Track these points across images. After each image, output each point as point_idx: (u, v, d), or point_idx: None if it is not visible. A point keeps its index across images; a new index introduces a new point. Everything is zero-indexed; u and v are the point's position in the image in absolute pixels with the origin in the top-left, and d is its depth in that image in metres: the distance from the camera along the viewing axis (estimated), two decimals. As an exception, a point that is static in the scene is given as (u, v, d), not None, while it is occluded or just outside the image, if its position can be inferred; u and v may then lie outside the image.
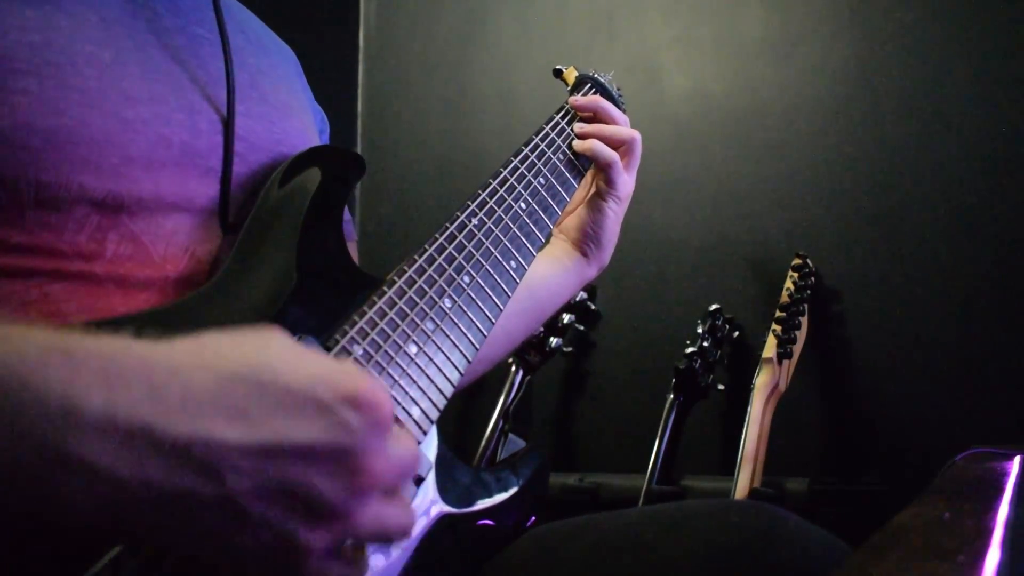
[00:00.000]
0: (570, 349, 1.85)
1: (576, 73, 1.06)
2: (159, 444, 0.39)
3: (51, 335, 0.41)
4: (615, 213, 0.96)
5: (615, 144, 0.95)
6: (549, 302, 0.97)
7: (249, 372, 0.42)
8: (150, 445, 0.39)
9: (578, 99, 0.98)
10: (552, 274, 0.96)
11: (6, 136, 0.58)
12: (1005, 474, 0.78)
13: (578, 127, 0.94)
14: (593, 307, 1.88)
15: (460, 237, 0.73)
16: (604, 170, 0.94)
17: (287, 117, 0.80)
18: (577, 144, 0.93)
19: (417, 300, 0.66)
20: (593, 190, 0.97)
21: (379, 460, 0.44)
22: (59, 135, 0.59)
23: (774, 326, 1.58)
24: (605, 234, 0.97)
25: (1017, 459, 0.86)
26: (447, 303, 0.68)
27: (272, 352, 0.44)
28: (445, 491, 0.69)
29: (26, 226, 0.59)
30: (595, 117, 0.97)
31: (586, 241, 0.97)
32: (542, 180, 0.86)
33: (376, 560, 0.62)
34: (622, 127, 0.97)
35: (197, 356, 0.42)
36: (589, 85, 1.02)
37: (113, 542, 0.45)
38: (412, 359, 0.64)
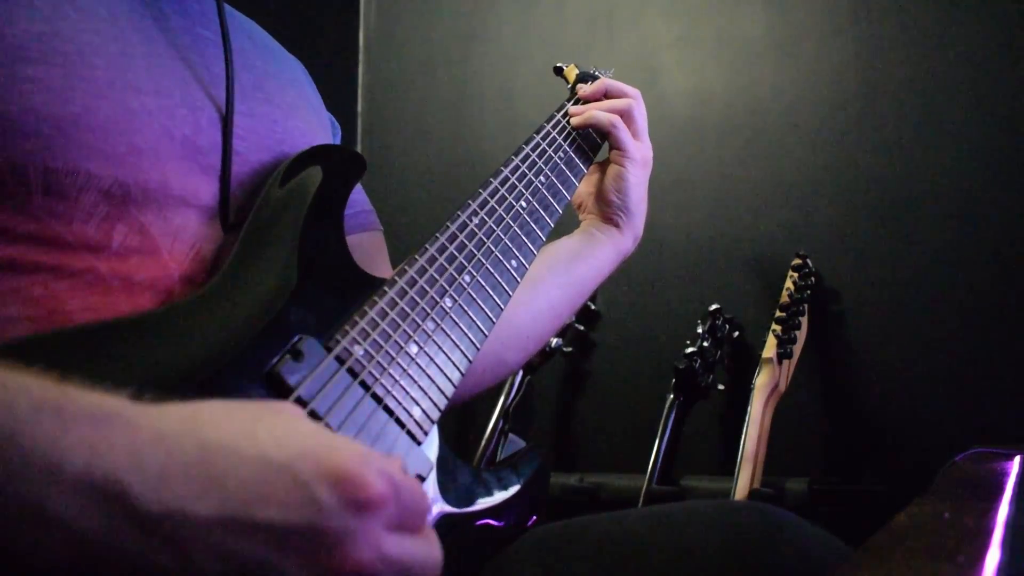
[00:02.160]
0: (570, 349, 1.85)
1: (577, 71, 1.06)
2: (132, 512, 0.39)
3: (46, 388, 0.40)
4: (636, 177, 0.96)
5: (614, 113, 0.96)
6: (588, 275, 0.96)
7: (233, 443, 0.41)
8: (124, 511, 0.39)
9: (587, 89, 0.99)
10: (587, 248, 0.96)
11: (15, 123, 0.58)
12: (1005, 474, 0.78)
13: (574, 108, 0.96)
14: (593, 307, 1.88)
15: (461, 236, 0.73)
16: (610, 133, 0.95)
17: (292, 117, 0.80)
18: (575, 120, 0.94)
19: (418, 300, 0.66)
20: (610, 161, 0.97)
21: (362, 548, 0.41)
22: (66, 122, 0.60)
23: (774, 326, 1.58)
24: (631, 200, 0.96)
25: (1017, 459, 0.86)
26: (448, 303, 0.69)
27: (264, 424, 0.42)
28: (446, 491, 0.69)
29: (34, 214, 0.60)
30: (607, 98, 0.98)
31: (615, 211, 0.96)
32: (543, 179, 0.86)
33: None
34: (616, 99, 0.97)
35: (188, 423, 0.41)
36: (589, 83, 1.03)
37: None
38: (413, 359, 0.64)
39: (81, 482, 0.38)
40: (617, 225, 0.97)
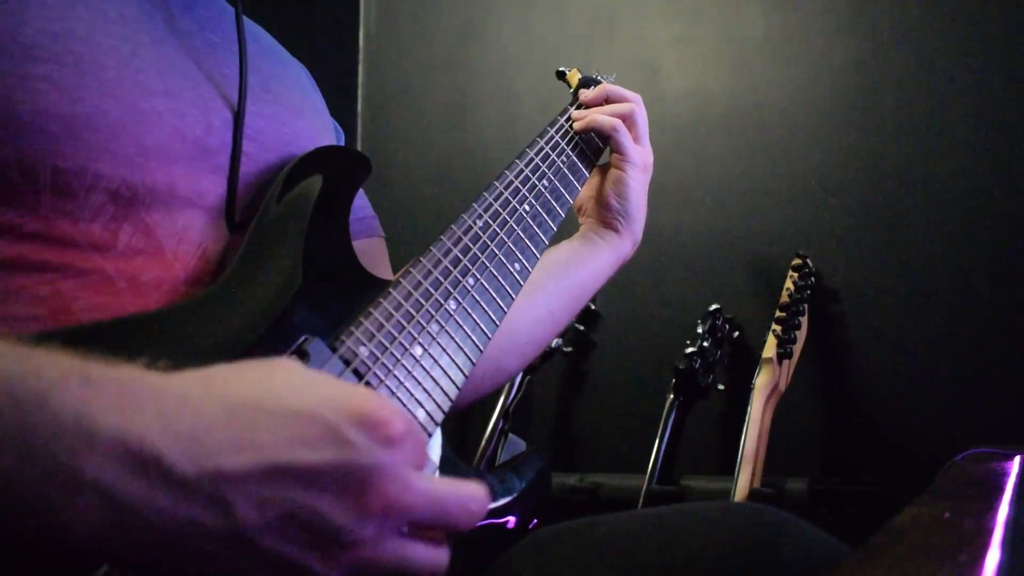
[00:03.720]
0: (570, 349, 1.86)
1: (579, 75, 1.07)
2: (169, 474, 0.39)
3: (71, 359, 0.41)
4: (636, 182, 0.96)
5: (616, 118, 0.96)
6: (587, 280, 0.96)
7: (254, 400, 0.42)
8: (160, 476, 0.39)
9: (588, 93, 0.99)
10: (586, 252, 0.96)
11: (25, 121, 0.59)
12: (1005, 474, 0.79)
13: (576, 112, 0.96)
14: (593, 307, 1.89)
15: (465, 240, 0.73)
16: (611, 137, 0.95)
17: (299, 119, 0.81)
18: (577, 124, 0.94)
19: (422, 302, 0.66)
20: (611, 165, 0.97)
21: (392, 481, 0.43)
22: (77, 122, 0.60)
23: (774, 326, 1.58)
24: (631, 204, 0.96)
25: (1017, 459, 0.87)
26: (452, 305, 0.69)
27: (277, 379, 0.44)
28: (448, 492, 0.69)
29: (42, 212, 0.60)
30: (607, 103, 0.98)
31: (614, 215, 0.96)
32: (546, 183, 0.86)
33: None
34: (618, 104, 0.97)
35: (206, 385, 0.42)
36: (592, 87, 1.03)
37: (100, 561, 0.44)
38: (417, 361, 0.64)
39: (115, 448, 0.39)
40: (616, 230, 0.97)
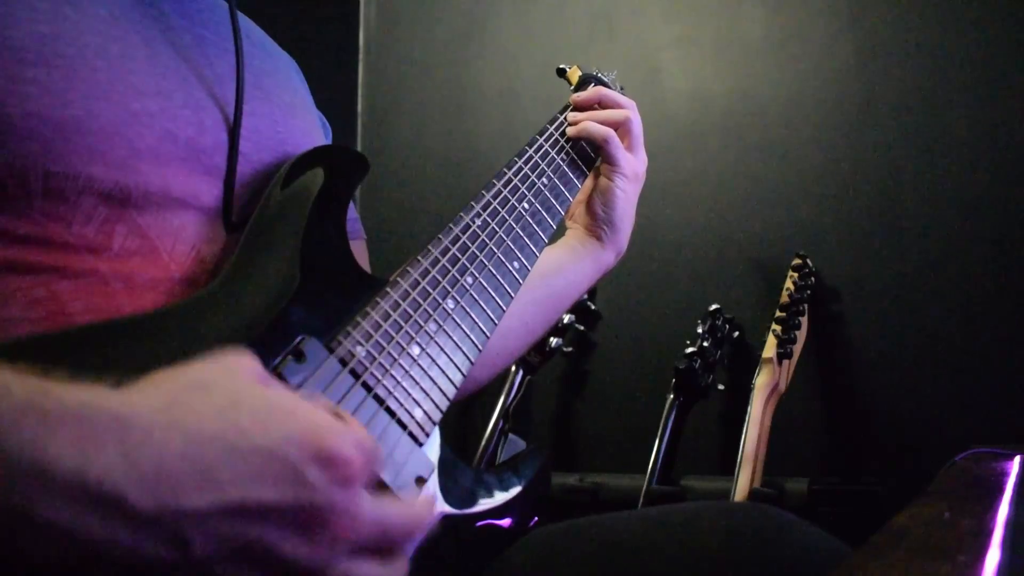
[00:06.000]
0: (570, 349, 1.85)
1: (580, 72, 1.06)
2: (129, 512, 0.39)
3: (29, 389, 0.40)
4: (624, 192, 0.94)
5: (610, 125, 0.94)
6: (566, 291, 0.95)
7: (220, 434, 0.42)
8: (120, 512, 0.39)
9: (580, 95, 0.98)
10: (566, 261, 0.94)
11: (16, 126, 0.58)
12: (1005, 474, 0.79)
13: (571, 116, 0.94)
14: (593, 307, 1.88)
15: (464, 238, 0.73)
16: (602, 148, 0.93)
17: (292, 117, 0.80)
18: (570, 130, 0.92)
19: (420, 301, 0.66)
20: (600, 173, 0.96)
21: (347, 517, 0.44)
22: (68, 125, 0.60)
23: (774, 326, 1.58)
24: (616, 214, 0.94)
25: (1017, 459, 0.87)
26: (450, 304, 0.69)
27: (242, 408, 0.43)
28: (447, 492, 0.69)
29: (34, 217, 0.60)
30: (600, 107, 0.97)
31: (599, 224, 0.95)
32: (545, 180, 0.86)
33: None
34: (613, 110, 0.96)
35: (169, 414, 0.42)
36: (592, 84, 1.02)
37: None
38: (415, 360, 0.64)
39: (73, 486, 0.38)
40: (600, 239, 0.95)
